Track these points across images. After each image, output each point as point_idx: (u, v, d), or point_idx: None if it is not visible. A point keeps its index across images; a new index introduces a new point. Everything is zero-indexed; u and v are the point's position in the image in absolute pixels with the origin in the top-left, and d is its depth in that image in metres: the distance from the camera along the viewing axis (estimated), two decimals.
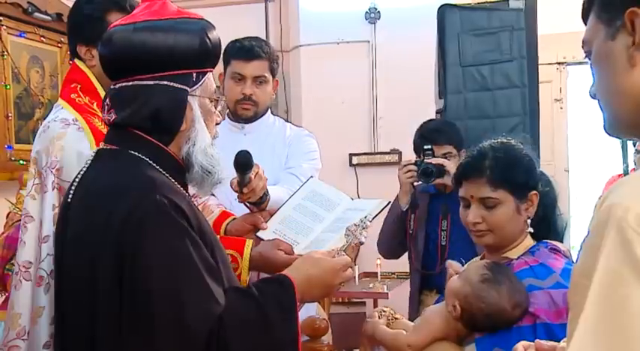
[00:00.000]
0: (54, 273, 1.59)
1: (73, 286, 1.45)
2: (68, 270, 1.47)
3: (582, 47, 1.07)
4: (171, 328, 1.33)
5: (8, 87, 3.73)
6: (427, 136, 2.94)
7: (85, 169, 1.54)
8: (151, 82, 1.47)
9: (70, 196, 1.52)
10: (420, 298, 3.00)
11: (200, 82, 1.53)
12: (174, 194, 1.43)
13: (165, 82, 1.48)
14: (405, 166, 2.88)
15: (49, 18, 3.91)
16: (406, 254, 3.10)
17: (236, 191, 2.02)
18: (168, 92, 1.48)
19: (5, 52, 3.69)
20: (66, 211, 1.52)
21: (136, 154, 1.48)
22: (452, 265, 1.85)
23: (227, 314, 1.37)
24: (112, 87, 1.53)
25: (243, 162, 1.97)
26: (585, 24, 1.07)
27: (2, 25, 3.67)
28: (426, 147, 2.85)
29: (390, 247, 3.06)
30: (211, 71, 1.58)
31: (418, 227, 2.96)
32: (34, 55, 3.93)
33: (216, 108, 1.60)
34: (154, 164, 1.48)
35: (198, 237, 1.42)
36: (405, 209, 2.92)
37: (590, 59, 1.05)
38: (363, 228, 1.79)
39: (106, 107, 1.52)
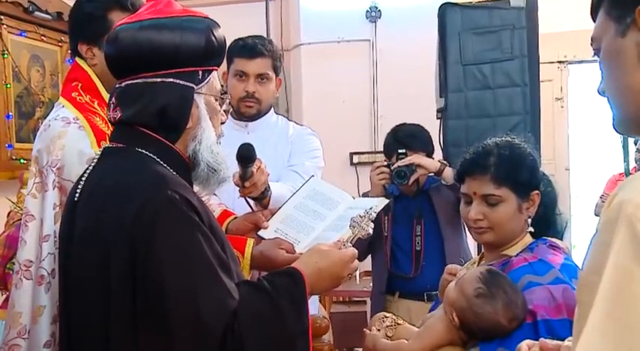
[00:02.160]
0: (58, 273, 1.58)
1: (83, 285, 1.43)
2: (76, 269, 1.46)
3: (591, 44, 1.06)
4: (188, 323, 1.32)
5: (9, 86, 3.73)
6: (403, 140, 2.97)
7: (91, 167, 1.53)
8: (157, 80, 1.47)
9: (77, 194, 1.51)
10: (386, 299, 3.03)
11: (206, 80, 1.53)
12: (185, 190, 1.43)
13: (171, 80, 1.48)
14: (377, 167, 2.91)
15: (49, 17, 3.91)
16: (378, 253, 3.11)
17: (237, 185, 2.02)
18: (175, 90, 1.48)
19: (6, 51, 3.69)
20: (72, 209, 1.51)
21: (144, 151, 1.48)
22: (450, 269, 1.85)
23: (241, 308, 1.37)
24: (117, 85, 1.53)
25: (246, 155, 1.97)
26: (594, 21, 1.06)
27: (3, 24, 3.67)
28: (400, 151, 2.89)
29: (360, 248, 2.99)
30: (216, 70, 1.58)
31: (392, 229, 2.99)
32: (34, 54, 3.93)
33: (221, 106, 1.60)
34: (162, 162, 1.48)
35: (209, 232, 1.42)
36: None
37: (599, 56, 1.04)
38: (369, 219, 1.77)
39: (112, 105, 1.51)
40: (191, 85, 1.50)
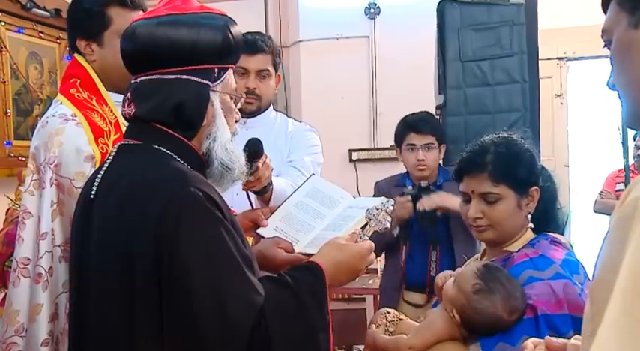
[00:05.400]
0: (70, 273, 1.55)
1: (103, 284, 1.40)
2: (95, 268, 1.43)
3: (601, 36, 1.03)
4: (216, 321, 1.31)
5: (7, 83, 3.72)
6: (411, 124, 3.03)
7: (107, 164, 1.51)
8: (173, 76, 1.46)
9: (93, 192, 1.48)
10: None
11: (222, 78, 1.51)
12: (206, 186, 1.41)
13: (188, 77, 1.46)
14: (402, 203, 2.95)
15: (47, 14, 3.90)
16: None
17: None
18: (191, 87, 1.46)
19: (4, 48, 3.68)
20: (88, 208, 1.48)
21: (161, 148, 1.46)
22: (440, 277, 1.84)
23: (267, 305, 1.36)
24: (132, 80, 1.51)
25: (255, 150, 1.97)
26: (605, 12, 1.04)
27: (0, 21, 3.66)
28: (423, 184, 2.99)
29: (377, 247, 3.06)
30: (232, 67, 1.56)
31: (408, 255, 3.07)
32: (32, 51, 3.92)
33: (236, 105, 1.59)
34: (179, 159, 1.47)
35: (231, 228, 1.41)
36: (396, 236, 3.03)
37: (609, 49, 1.02)
38: (386, 212, 1.73)
39: (127, 101, 1.49)
40: (207, 82, 1.48)
